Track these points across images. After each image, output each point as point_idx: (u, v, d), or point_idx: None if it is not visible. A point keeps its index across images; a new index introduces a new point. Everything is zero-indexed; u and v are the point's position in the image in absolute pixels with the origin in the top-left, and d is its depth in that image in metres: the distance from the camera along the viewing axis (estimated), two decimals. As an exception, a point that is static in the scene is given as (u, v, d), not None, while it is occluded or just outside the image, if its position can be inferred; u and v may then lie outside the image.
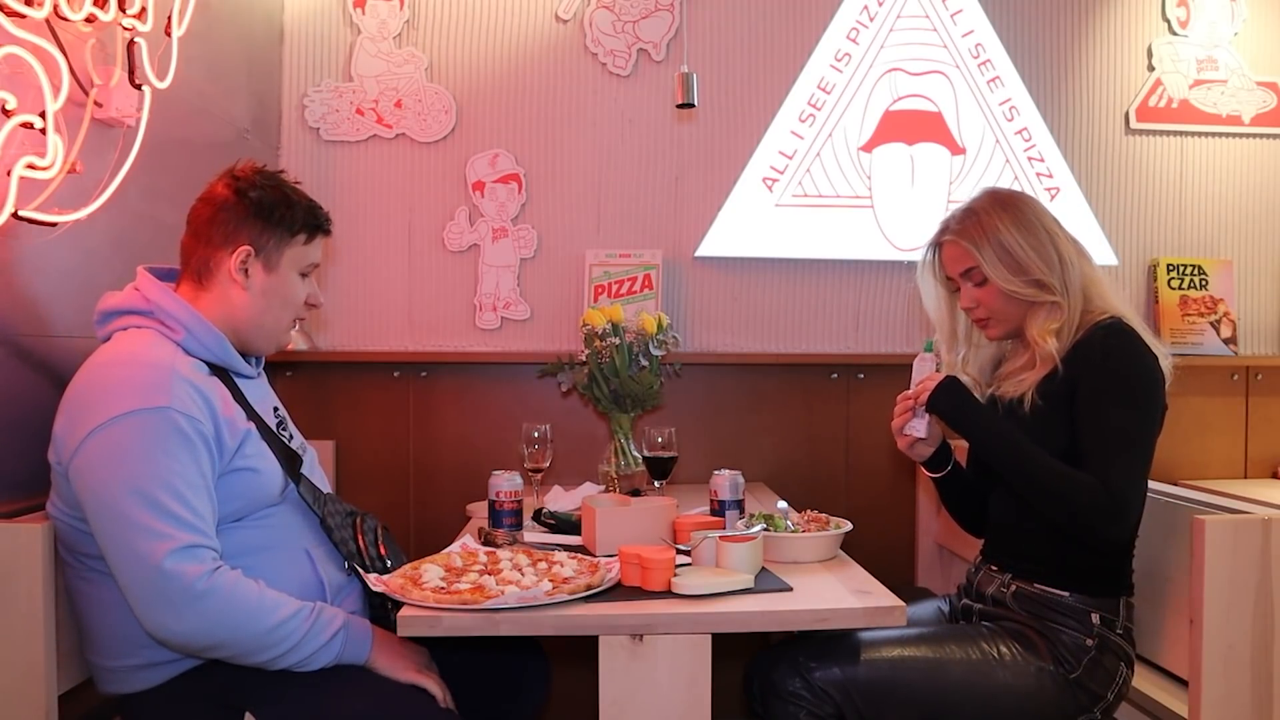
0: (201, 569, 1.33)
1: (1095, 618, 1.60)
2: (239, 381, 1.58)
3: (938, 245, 1.76)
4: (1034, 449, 1.59)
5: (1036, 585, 1.64)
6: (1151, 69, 2.85)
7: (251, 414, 1.55)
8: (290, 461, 1.58)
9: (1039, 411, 1.63)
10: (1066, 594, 1.61)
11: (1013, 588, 1.67)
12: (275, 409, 1.67)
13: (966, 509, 1.88)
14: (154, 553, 1.31)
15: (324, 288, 2.62)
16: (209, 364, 1.52)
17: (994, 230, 1.65)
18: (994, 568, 1.73)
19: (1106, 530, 1.54)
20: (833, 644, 1.55)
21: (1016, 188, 2.74)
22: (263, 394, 1.66)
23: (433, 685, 1.46)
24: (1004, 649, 1.58)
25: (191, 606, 1.32)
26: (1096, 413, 1.57)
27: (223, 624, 1.35)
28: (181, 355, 1.47)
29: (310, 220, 1.59)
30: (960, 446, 1.84)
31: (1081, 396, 1.59)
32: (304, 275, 1.61)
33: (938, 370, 1.76)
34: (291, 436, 1.66)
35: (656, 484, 2.18)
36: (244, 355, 1.60)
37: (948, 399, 1.68)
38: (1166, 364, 1.63)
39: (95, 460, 1.36)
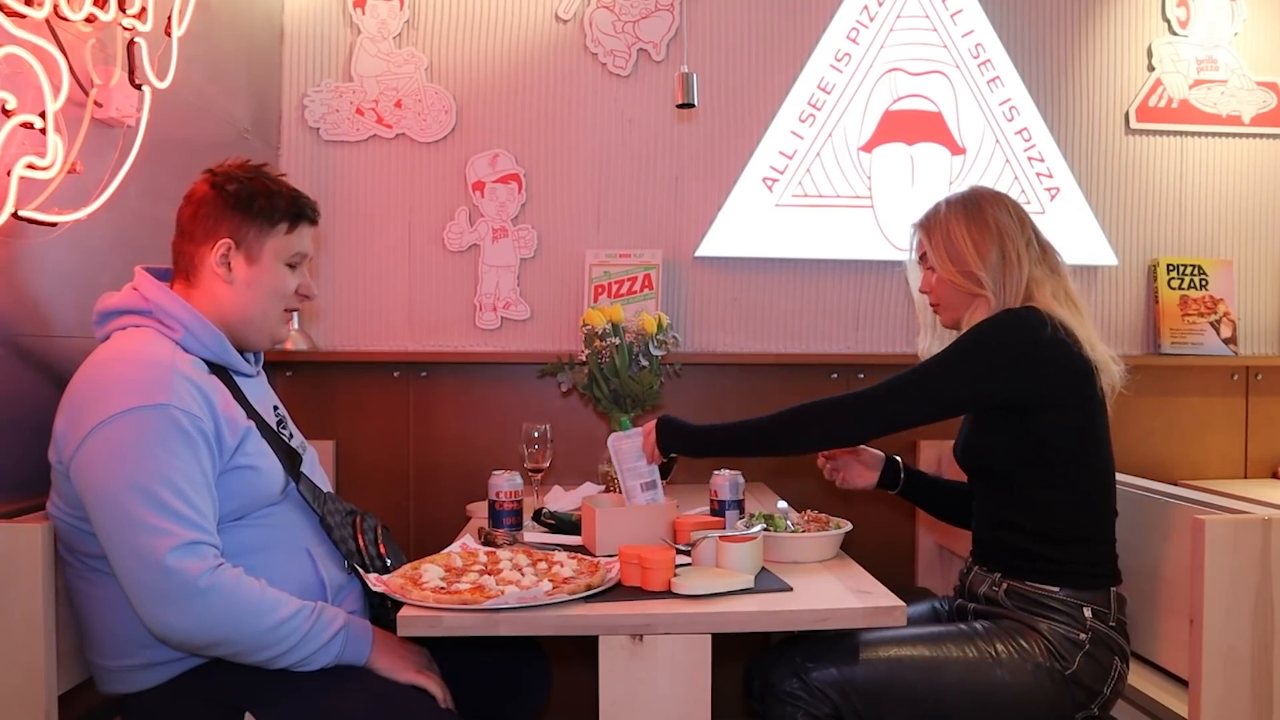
0: (204, 565, 1.33)
1: (1087, 611, 1.61)
2: (238, 380, 1.58)
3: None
4: (758, 418, 1.70)
5: (1027, 583, 1.65)
6: (1151, 69, 2.85)
7: (251, 412, 1.55)
8: (290, 460, 1.58)
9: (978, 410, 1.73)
10: (1057, 589, 1.62)
11: (1004, 586, 1.68)
12: (275, 408, 1.67)
13: (946, 508, 1.96)
14: (156, 549, 1.31)
15: (324, 287, 2.63)
16: (208, 362, 1.52)
17: (945, 220, 1.74)
18: (982, 568, 1.75)
19: (844, 436, 1.69)
20: (830, 644, 1.55)
21: (1016, 188, 2.77)
22: (262, 393, 1.65)
23: (433, 685, 1.46)
24: (1000, 647, 1.59)
25: (193, 603, 1.32)
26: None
27: (224, 621, 1.35)
28: (180, 353, 1.47)
29: (292, 209, 1.58)
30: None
31: None
32: (292, 266, 1.60)
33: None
34: (291, 435, 1.66)
35: (656, 484, 2.18)
36: (242, 353, 1.60)
37: (670, 435, 1.76)
38: (1083, 367, 1.61)
39: (96, 457, 1.36)
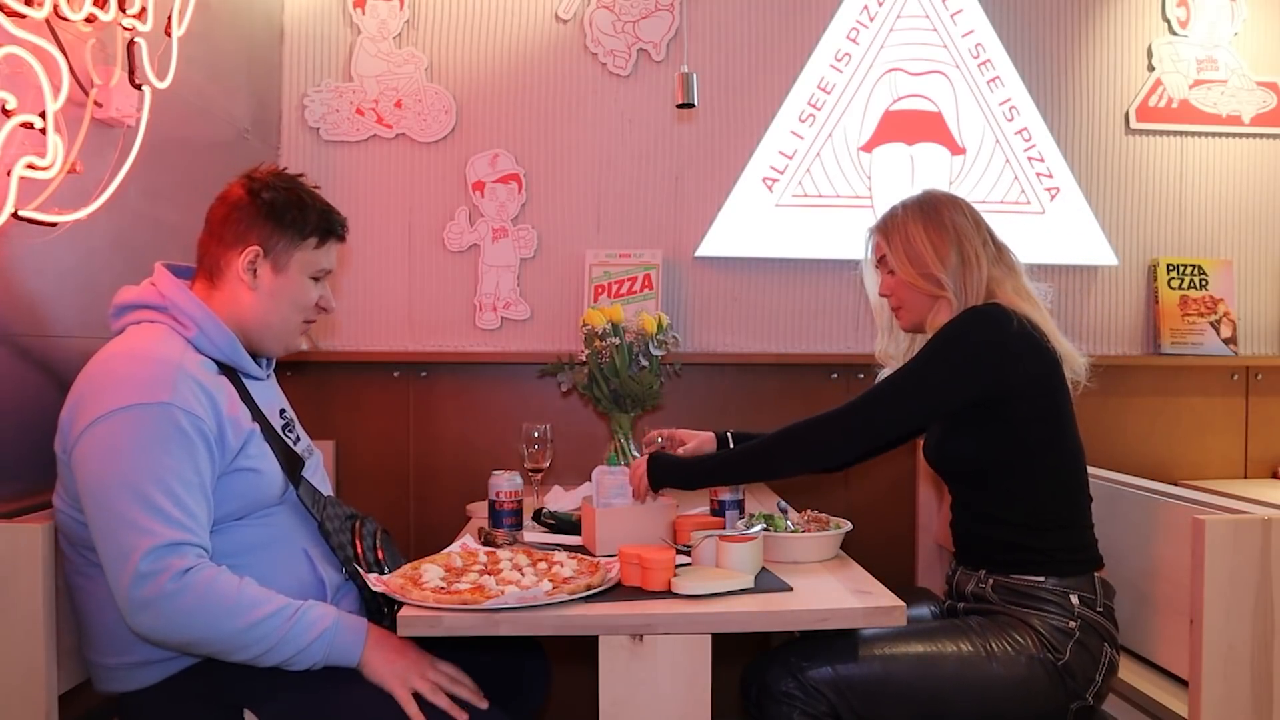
0: (180, 565, 1.32)
1: (1074, 599, 1.62)
2: (247, 383, 1.58)
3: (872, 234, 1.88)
4: (747, 445, 1.77)
5: (1013, 576, 1.66)
6: (1151, 69, 2.85)
7: (257, 415, 1.55)
8: (291, 464, 1.57)
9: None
10: (1043, 579, 1.64)
11: (990, 581, 1.69)
12: (282, 411, 1.67)
13: None
14: (136, 548, 1.31)
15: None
16: (219, 363, 1.52)
17: (903, 224, 1.77)
18: (967, 567, 1.76)
19: (832, 451, 1.70)
20: (825, 643, 1.56)
21: (1016, 188, 2.77)
22: (271, 396, 1.66)
23: (412, 710, 1.38)
24: (994, 641, 1.60)
25: (163, 604, 1.31)
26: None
27: (194, 622, 1.34)
28: (191, 352, 1.47)
29: (322, 225, 1.59)
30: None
31: None
32: (315, 279, 1.61)
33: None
34: (298, 439, 1.66)
35: (656, 484, 2.18)
36: (254, 357, 1.60)
37: (661, 470, 1.77)
38: (1050, 357, 1.64)
39: (93, 451, 1.36)
